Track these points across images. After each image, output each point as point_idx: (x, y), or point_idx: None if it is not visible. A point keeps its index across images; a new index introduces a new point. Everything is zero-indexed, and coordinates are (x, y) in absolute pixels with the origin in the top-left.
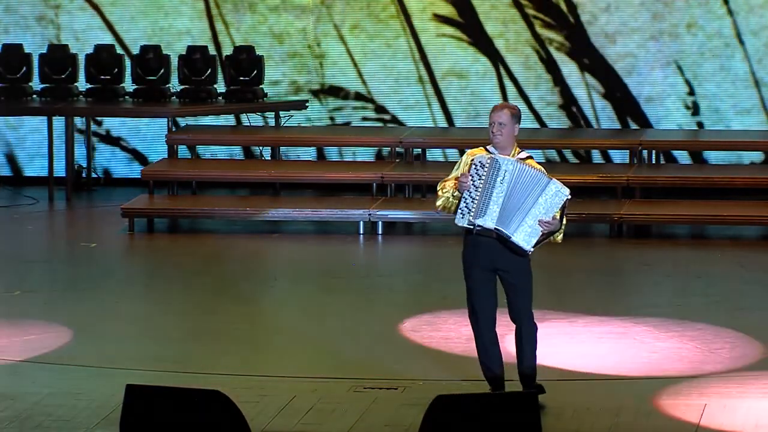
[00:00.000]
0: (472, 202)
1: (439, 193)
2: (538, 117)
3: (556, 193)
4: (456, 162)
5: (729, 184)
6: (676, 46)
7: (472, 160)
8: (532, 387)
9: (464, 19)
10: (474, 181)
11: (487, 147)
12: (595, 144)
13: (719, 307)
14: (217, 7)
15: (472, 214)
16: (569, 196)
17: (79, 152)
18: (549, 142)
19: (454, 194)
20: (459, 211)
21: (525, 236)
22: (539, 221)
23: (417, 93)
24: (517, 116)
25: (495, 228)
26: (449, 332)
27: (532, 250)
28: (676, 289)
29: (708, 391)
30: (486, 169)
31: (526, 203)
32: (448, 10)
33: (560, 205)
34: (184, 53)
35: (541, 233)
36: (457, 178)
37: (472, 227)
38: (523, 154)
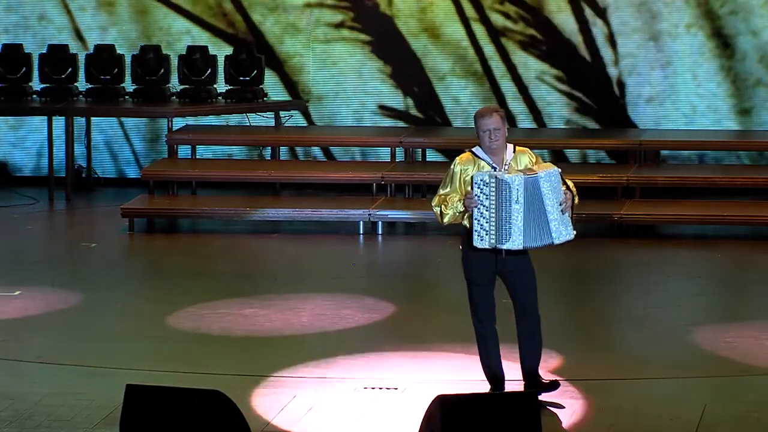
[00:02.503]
0: (487, 223)
1: (443, 208)
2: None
3: (548, 178)
4: (451, 166)
5: (729, 184)
6: (676, 46)
7: (472, 177)
8: (539, 382)
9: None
10: (481, 200)
11: (474, 151)
12: (595, 144)
13: (719, 308)
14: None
15: (493, 238)
16: (560, 169)
17: (79, 152)
18: (549, 142)
19: (461, 211)
20: (475, 233)
21: (564, 231)
22: (561, 207)
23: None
24: (505, 117)
25: (524, 247)
26: (449, 332)
27: (575, 232)
28: (676, 289)
29: (708, 391)
30: (492, 188)
31: (541, 209)
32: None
33: (560, 182)
34: (184, 53)
35: (569, 217)
36: (467, 194)
37: (498, 250)
38: (510, 147)
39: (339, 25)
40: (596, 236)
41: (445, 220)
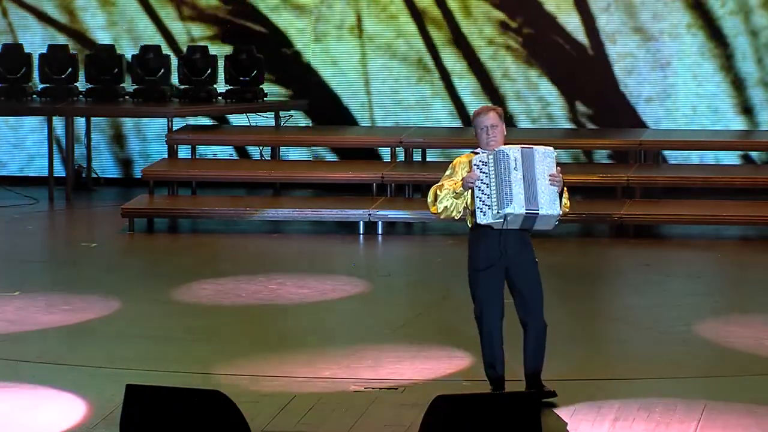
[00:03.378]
0: (488, 198)
1: (438, 191)
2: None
3: (544, 155)
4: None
5: (729, 184)
6: (676, 46)
7: (471, 161)
8: (540, 386)
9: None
10: (481, 179)
11: (476, 151)
12: (595, 144)
13: (719, 308)
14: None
15: (495, 208)
16: (555, 151)
17: (79, 152)
18: (549, 142)
19: (457, 192)
20: (478, 210)
21: (549, 204)
22: (550, 181)
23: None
24: (502, 116)
25: (526, 212)
26: (449, 332)
27: (561, 212)
28: (676, 289)
29: (708, 391)
30: (491, 165)
31: (533, 179)
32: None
33: (554, 163)
34: (183, 53)
35: (557, 193)
36: (463, 178)
37: (501, 220)
38: None
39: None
40: (596, 236)
41: (440, 205)
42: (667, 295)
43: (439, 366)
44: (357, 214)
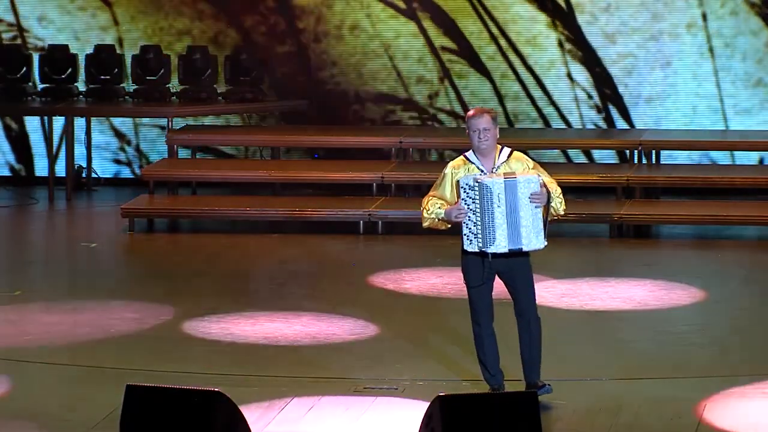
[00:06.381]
0: (474, 226)
1: (424, 213)
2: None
3: (527, 184)
4: (443, 169)
5: (729, 184)
6: (676, 46)
7: (458, 182)
8: (538, 380)
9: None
10: (468, 205)
11: (467, 155)
12: (595, 144)
13: (719, 308)
14: None
15: (480, 241)
16: (540, 178)
17: (79, 152)
18: (549, 142)
19: (440, 217)
20: (465, 237)
21: (534, 238)
22: (531, 200)
23: None
24: (496, 119)
25: (509, 250)
26: (449, 332)
27: (546, 242)
28: (676, 289)
29: (708, 391)
30: (476, 192)
31: (516, 213)
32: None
33: (537, 189)
34: (184, 53)
35: (542, 221)
36: (455, 207)
37: (485, 253)
38: (506, 152)
39: None
40: (596, 236)
41: (425, 224)
42: (667, 295)
43: (439, 366)
44: (357, 214)
